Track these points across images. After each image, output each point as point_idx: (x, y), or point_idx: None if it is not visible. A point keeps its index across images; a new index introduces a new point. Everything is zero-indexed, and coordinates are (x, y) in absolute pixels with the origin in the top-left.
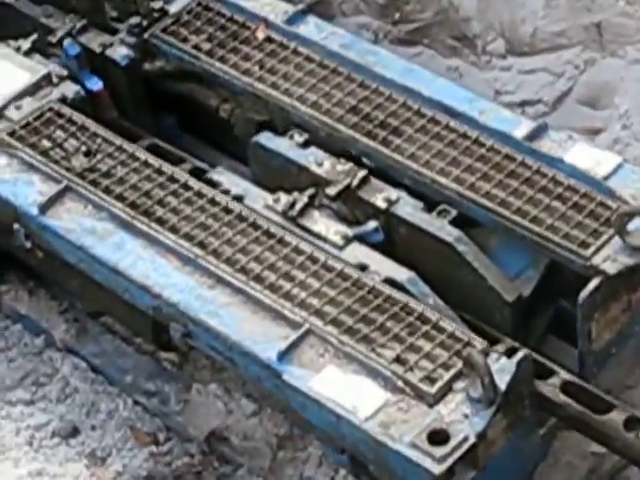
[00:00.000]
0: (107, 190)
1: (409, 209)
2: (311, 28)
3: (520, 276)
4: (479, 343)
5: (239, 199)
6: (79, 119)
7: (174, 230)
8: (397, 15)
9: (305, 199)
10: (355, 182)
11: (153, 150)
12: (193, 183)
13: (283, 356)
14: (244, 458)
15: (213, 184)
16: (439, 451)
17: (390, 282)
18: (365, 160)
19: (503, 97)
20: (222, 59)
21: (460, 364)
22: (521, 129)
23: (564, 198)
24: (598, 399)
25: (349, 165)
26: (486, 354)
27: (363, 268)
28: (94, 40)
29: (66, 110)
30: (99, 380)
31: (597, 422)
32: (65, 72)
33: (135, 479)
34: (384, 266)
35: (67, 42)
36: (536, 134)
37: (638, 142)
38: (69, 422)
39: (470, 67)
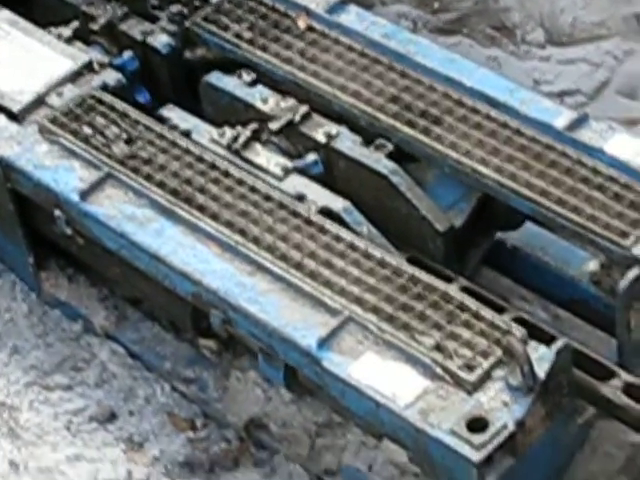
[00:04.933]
0: (148, 177)
1: (348, 143)
2: (352, 17)
3: (453, 208)
4: (519, 331)
5: (186, 134)
6: (120, 106)
7: (215, 217)
8: (436, 4)
9: (248, 133)
10: (297, 118)
11: None
12: (234, 170)
13: (323, 343)
14: (282, 445)
15: (162, 120)
16: (478, 438)
17: (326, 211)
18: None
19: (542, 87)
20: (263, 48)
21: (499, 352)
22: (562, 119)
23: (604, 188)
24: None
25: (292, 102)
26: (525, 342)
27: (301, 198)
28: (136, 27)
29: (107, 97)
30: (137, 366)
31: None
32: (106, 60)
33: (172, 464)
34: (321, 196)
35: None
36: (577, 124)
37: None
38: (107, 407)
39: (509, 57)
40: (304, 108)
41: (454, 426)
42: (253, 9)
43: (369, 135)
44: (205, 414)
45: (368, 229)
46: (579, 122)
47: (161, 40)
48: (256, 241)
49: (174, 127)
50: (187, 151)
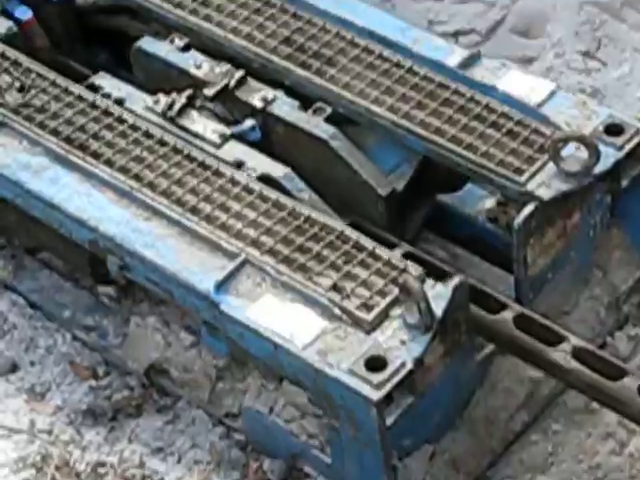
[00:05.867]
0: (42, 125)
1: (285, 108)
2: None
3: (394, 172)
4: (415, 270)
5: (120, 102)
6: (12, 54)
7: (109, 163)
8: None
9: (183, 100)
10: (233, 83)
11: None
12: (127, 116)
13: (220, 286)
14: (183, 390)
15: (95, 88)
16: (377, 377)
17: (266, 178)
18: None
19: (436, 27)
20: None
21: (396, 291)
22: (454, 57)
23: (498, 125)
24: (610, 365)
25: (227, 67)
26: (422, 281)
27: (239, 165)
28: None
29: None
30: (37, 316)
31: (610, 389)
32: None
33: (75, 413)
34: (260, 163)
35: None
36: (469, 62)
37: (571, 70)
38: (8, 358)
39: None
40: (240, 73)
41: (352, 366)
42: None
43: (262, 78)
44: (107, 362)
45: (309, 195)
46: (472, 60)
47: None
48: (151, 186)
49: (107, 95)
50: (80, 98)
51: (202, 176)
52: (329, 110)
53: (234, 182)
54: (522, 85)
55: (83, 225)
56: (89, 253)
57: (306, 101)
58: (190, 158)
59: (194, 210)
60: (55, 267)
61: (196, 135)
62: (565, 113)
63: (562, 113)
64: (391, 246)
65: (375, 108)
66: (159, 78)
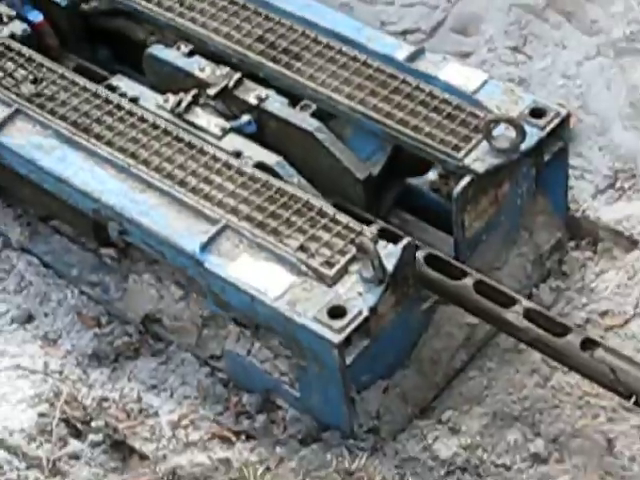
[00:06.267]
0: (52, 112)
1: (277, 105)
2: None
3: (370, 159)
4: (369, 232)
5: (134, 100)
6: (27, 52)
7: (109, 144)
8: None
9: (189, 98)
10: (231, 83)
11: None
12: (124, 103)
13: (204, 248)
14: (174, 336)
15: (113, 88)
16: (337, 324)
17: (261, 166)
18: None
19: (388, 27)
20: None
21: (354, 250)
22: (402, 52)
23: (439, 109)
24: (556, 324)
25: (226, 70)
26: (375, 241)
27: (238, 155)
28: None
29: (15, 45)
30: (50, 274)
31: (556, 344)
32: (13, 13)
33: (82, 356)
34: (256, 152)
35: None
36: (415, 56)
37: (501, 63)
38: (25, 310)
39: (359, 2)
40: (237, 75)
41: (317, 314)
42: None
43: (242, 71)
44: (109, 312)
45: (299, 180)
46: (417, 54)
47: None
48: (145, 163)
49: (123, 95)
50: (84, 89)
51: (188, 154)
52: (314, 107)
53: (215, 159)
54: (460, 75)
55: (87, 196)
56: (93, 220)
57: (294, 98)
58: (178, 138)
59: (182, 183)
60: (64, 232)
61: (200, 128)
62: (496, 99)
63: (493, 99)
64: (368, 222)
65: (336, 96)
66: (168, 80)
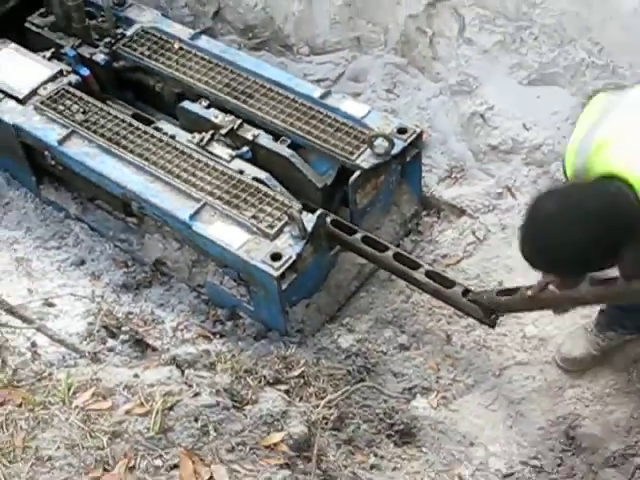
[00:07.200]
0: (96, 132)
1: (265, 139)
2: (204, 42)
3: (325, 174)
4: (297, 206)
5: (172, 137)
6: (79, 94)
7: (132, 152)
8: (250, 34)
9: (209, 136)
10: (235, 126)
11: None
12: (142, 127)
13: (192, 217)
14: (174, 273)
15: (158, 129)
16: (276, 264)
17: (256, 179)
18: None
19: (308, 77)
20: (156, 59)
21: (286, 218)
22: (317, 92)
23: (341, 129)
24: (446, 280)
25: (232, 117)
26: (300, 212)
27: (241, 172)
28: (86, 50)
29: (71, 89)
30: (95, 234)
31: (447, 293)
32: (70, 68)
33: (116, 285)
34: (253, 171)
35: (69, 51)
36: (325, 95)
37: (379, 99)
38: (79, 257)
39: (290, 62)
40: (239, 121)
41: (264, 258)
42: (150, 39)
43: (218, 107)
44: (133, 258)
45: (280, 189)
46: (326, 94)
47: (100, 57)
48: (155, 164)
49: (165, 133)
50: (116, 117)
51: (181, 158)
52: (289, 140)
53: (199, 161)
54: (353, 108)
55: (118, 185)
56: (121, 200)
57: (272, 134)
58: (175, 148)
59: (179, 177)
60: (104, 208)
61: (216, 155)
62: (376, 122)
63: (374, 122)
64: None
65: (274, 120)
66: (194, 124)
